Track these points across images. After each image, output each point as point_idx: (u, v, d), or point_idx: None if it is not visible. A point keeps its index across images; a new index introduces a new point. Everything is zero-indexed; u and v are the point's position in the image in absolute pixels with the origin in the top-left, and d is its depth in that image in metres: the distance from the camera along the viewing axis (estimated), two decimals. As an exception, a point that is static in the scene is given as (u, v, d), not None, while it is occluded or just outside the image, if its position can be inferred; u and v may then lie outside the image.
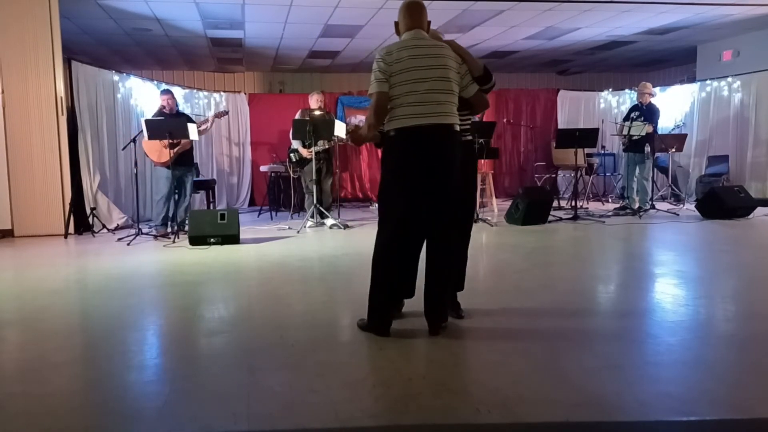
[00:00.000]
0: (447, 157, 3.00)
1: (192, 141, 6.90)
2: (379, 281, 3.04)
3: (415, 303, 3.27)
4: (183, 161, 6.86)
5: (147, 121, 6.52)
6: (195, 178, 9.03)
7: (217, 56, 10.75)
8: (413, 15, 3.05)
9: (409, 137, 2.95)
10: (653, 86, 8.77)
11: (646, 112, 8.29)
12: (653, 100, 8.52)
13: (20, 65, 7.02)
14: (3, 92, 7.05)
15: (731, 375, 2.47)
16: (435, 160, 2.96)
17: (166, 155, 6.75)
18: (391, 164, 3.03)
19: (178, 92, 9.97)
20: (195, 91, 10.49)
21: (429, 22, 3.12)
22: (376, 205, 3.19)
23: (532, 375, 2.48)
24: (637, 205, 8.31)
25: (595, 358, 2.68)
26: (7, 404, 2.30)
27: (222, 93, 10.92)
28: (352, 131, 3.25)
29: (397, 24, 3.13)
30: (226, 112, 8.24)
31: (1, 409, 2.25)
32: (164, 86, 9.48)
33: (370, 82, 3.00)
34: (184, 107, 9.85)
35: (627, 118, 8.51)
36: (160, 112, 7.05)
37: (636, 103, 8.61)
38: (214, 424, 2.09)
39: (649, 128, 8.06)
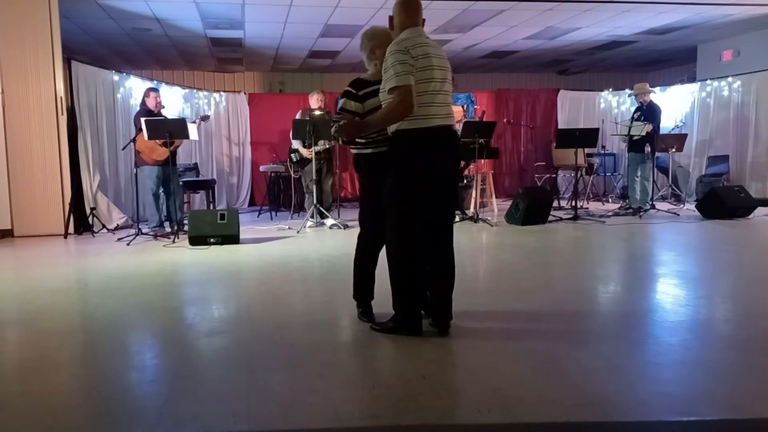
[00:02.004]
0: (458, 158, 3.10)
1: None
2: (408, 281, 2.98)
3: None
4: (167, 159, 6.85)
5: (147, 121, 6.52)
6: (195, 178, 9.09)
7: (217, 56, 10.75)
8: (410, 12, 2.98)
9: (434, 137, 2.90)
10: (654, 86, 8.77)
11: (647, 111, 8.30)
12: (653, 98, 8.54)
13: (20, 65, 7.02)
14: (3, 92, 7.04)
15: (731, 375, 2.47)
16: (451, 161, 3.01)
17: (158, 152, 6.76)
18: (413, 164, 2.90)
19: (178, 92, 9.99)
20: (195, 91, 10.49)
21: (423, 20, 3.05)
22: None
23: (532, 375, 2.48)
24: (638, 205, 8.30)
25: (595, 358, 2.68)
26: (7, 404, 2.30)
27: (222, 93, 10.92)
28: (347, 124, 2.99)
29: (391, 19, 3.04)
30: (208, 116, 8.26)
31: (1, 409, 2.25)
32: (164, 85, 9.49)
33: (394, 74, 2.78)
34: (184, 107, 9.88)
35: (631, 119, 8.52)
36: (147, 111, 7.00)
37: (638, 104, 8.64)
38: (214, 424, 2.09)
39: (648, 127, 8.06)
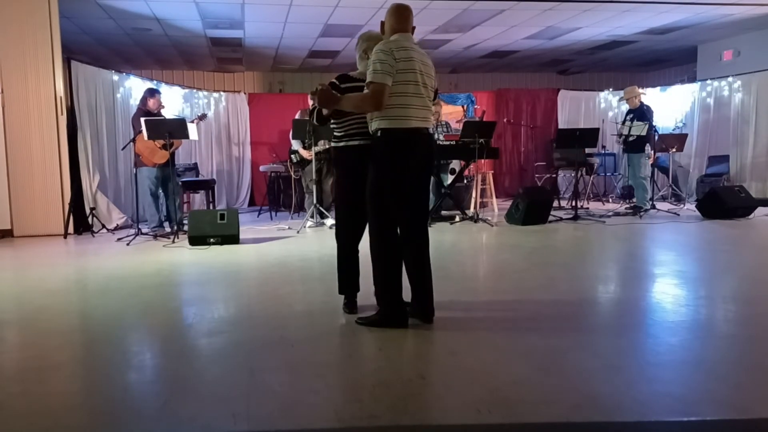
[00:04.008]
0: (433, 158, 3.31)
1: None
2: (390, 274, 3.12)
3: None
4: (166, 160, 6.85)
5: (147, 121, 6.51)
6: (195, 178, 9.09)
7: (216, 56, 10.75)
8: (401, 19, 3.15)
9: (410, 138, 3.08)
10: (654, 86, 8.76)
11: (640, 113, 8.32)
12: (644, 99, 8.56)
13: (20, 65, 7.02)
14: (3, 92, 7.04)
15: (732, 375, 2.47)
16: (428, 161, 3.23)
17: (158, 155, 6.76)
18: (390, 162, 3.07)
19: (178, 92, 9.99)
20: (195, 91, 10.49)
21: (413, 28, 3.21)
22: None
23: (532, 375, 2.47)
24: (640, 204, 8.30)
25: (595, 358, 2.68)
26: (7, 404, 2.30)
27: (222, 93, 10.93)
28: (323, 89, 3.08)
29: (383, 24, 3.21)
30: (205, 115, 8.25)
31: (1, 409, 2.25)
32: (163, 85, 9.48)
33: (373, 71, 2.95)
34: (183, 107, 9.87)
35: (624, 122, 8.53)
36: (145, 112, 6.99)
37: (629, 107, 8.65)
38: (214, 424, 2.08)
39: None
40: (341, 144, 3.36)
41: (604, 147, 10.62)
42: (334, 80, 3.33)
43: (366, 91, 3.01)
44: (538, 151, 11.82)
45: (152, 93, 7.19)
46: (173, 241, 6.34)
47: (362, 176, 3.19)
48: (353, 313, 3.38)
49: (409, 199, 3.14)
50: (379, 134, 3.07)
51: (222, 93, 10.92)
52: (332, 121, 3.32)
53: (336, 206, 3.51)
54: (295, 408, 2.20)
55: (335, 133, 3.39)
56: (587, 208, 9.11)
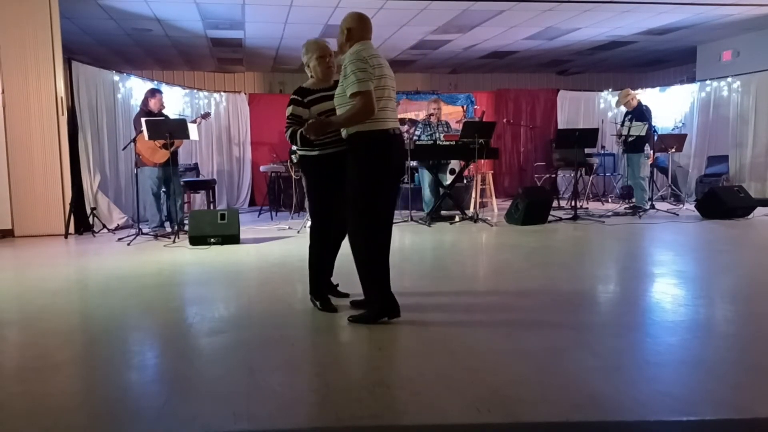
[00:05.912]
0: (406, 156, 3.58)
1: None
2: (379, 269, 3.21)
3: (414, 302, 3.27)
4: (168, 160, 6.85)
5: (147, 121, 6.52)
6: (195, 178, 9.09)
7: (217, 56, 10.76)
8: (367, 27, 3.31)
9: (393, 139, 3.23)
10: (653, 86, 8.77)
11: (638, 113, 8.33)
12: (642, 99, 8.58)
13: (21, 65, 7.02)
14: (3, 92, 7.05)
15: (731, 375, 2.47)
16: (403, 159, 3.46)
17: (158, 155, 6.76)
18: (374, 161, 3.18)
19: (179, 92, 9.99)
20: (195, 91, 10.49)
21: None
22: None
23: (532, 375, 2.48)
24: (640, 204, 8.31)
25: (594, 358, 2.68)
26: (7, 404, 2.31)
27: (222, 93, 10.93)
28: (314, 123, 3.19)
29: (349, 30, 3.27)
30: (209, 114, 8.25)
31: (1, 409, 2.25)
32: (164, 85, 9.49)
33: (356, 80, 3.05)
34: (184, 107, 9.87)
35: (623, 123, 8.55)
36: (147, 113, 6.99)
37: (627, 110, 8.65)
38: (214, 424, 2.09)
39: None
40: (314, 153, 3.44)
41: (603, 147, 10.64)
42: (295, 96, 3.53)
43: (349, 101, 3.10)
44: (538, 152, 11.83)
45: (153, 93, 7.18)
46: (174, 241, 6.35)
47: (338, 183, 3.32)
48: (333, 311, 3.47)
49: (390, 195, 3.29)
50: (359, 137, 3.16)
51: (222, 93, 10.92)
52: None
53: (310, 209, 3.62)
54: (295, 407, 2.21)
55: (305, 142, 3.41)
56: (587, 208, 9.11)
